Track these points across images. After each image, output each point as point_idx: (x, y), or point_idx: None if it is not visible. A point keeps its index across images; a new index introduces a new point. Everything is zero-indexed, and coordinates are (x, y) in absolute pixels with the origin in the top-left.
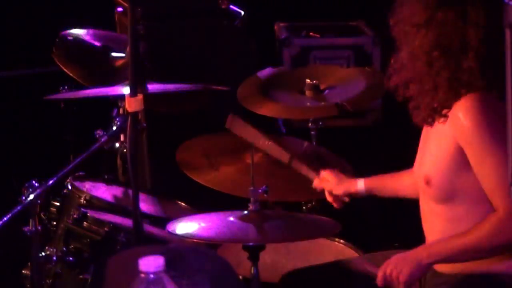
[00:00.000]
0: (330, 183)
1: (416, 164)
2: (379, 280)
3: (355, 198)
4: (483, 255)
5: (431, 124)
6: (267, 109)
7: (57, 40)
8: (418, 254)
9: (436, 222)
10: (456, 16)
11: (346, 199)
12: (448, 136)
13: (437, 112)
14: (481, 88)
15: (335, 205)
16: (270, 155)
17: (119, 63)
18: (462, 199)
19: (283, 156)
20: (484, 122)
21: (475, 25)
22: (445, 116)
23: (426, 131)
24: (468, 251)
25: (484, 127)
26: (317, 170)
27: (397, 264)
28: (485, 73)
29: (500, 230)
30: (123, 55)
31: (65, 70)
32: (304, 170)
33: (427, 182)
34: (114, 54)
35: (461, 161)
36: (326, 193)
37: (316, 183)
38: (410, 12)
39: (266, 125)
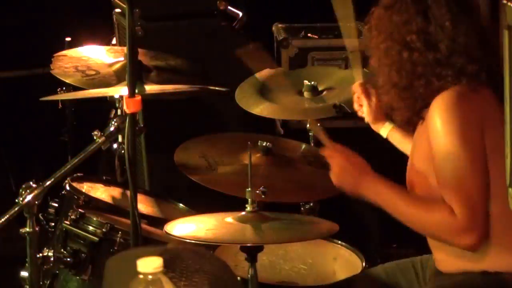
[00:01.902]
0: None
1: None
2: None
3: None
4: (413, 229)
5: (412, 126)
6: (265, 110)
7: (52, 59)
8: (365, 184)
9: None
10: (416, 12)
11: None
12: (423, 139)
13: (418, 114)
14: (452, 80)
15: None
16: None
17: (117, 66)
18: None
19: None
20: (453, 125)
21: (437, 19)
22: (422, 118)
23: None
24: (406, 221)
25: (452, 130)
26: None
27: (345, 169)
28: (452, 63)
29: (448, 231)
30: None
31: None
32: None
33: (411, 188)
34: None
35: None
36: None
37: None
38: (376, 19)
39: (264, 126)
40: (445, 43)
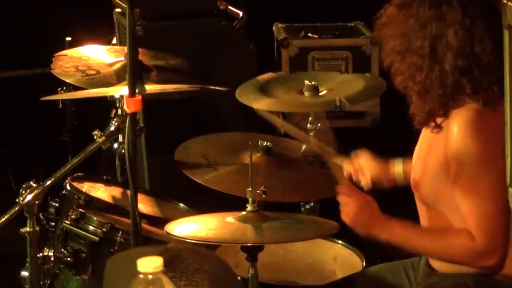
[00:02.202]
0: (363, 161)
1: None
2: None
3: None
4: (436, 259)
5: (428, 127)
6: (264, 104)
7: (53, 58)
8: (378, 228)
9: (424, 222)
10: (434, 17)
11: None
12: (440, 146)
13: (434, 116)
14: (467, 91)
15: (365, 184)
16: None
17: (117, 66)
18: (449, 209)
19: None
20: (476, 147)
21: (453, 25)
22: (440, 127)
23: (423, 134)
24: (426, 253)
25: (476, 153)
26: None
27: (357, 213)
28: (470, 73)
29: (469, 258)
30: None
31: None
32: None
33: (415, 187)
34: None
35: (448, 173)
36: (357, 174)
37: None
38: (389, 17)
39: (265, 126)
40: (461, 50)
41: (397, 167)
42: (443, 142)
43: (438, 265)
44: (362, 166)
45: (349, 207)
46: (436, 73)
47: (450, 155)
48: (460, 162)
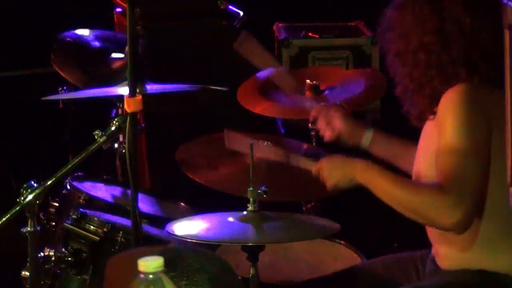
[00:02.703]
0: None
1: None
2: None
3: (355, 200)
4: (402, 212)
5: (423, 121)
6: (266, 109)
7: (54, 44)
8: (355, 167)
9: None
10: (431, 12)
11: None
12: (434, 131)
13: (428, 111)
14: (466, 78)
15: (328, 135)
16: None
17: (118, 64)
18: None
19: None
20: (459, 119)
21: (452, 18)
22: (434, 113)
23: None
24: (395, 200)
25: (458, 124)
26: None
27: (331, 168)
28: (468, 63)
29: (433, 208)
30: (122, 55)
31: (64, 75)
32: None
33: (417, 179)
34: (113, 55)
35: None
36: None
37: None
38: (388, 20)
39: (266, 126)
40: (461, 42)
41: (367, 132)
42: (436, 126)
43: (443, 263)
44: (332, 117)
45: (325, 170)
46: (433, 68)
47: (439, 132)
48: (442, 122)
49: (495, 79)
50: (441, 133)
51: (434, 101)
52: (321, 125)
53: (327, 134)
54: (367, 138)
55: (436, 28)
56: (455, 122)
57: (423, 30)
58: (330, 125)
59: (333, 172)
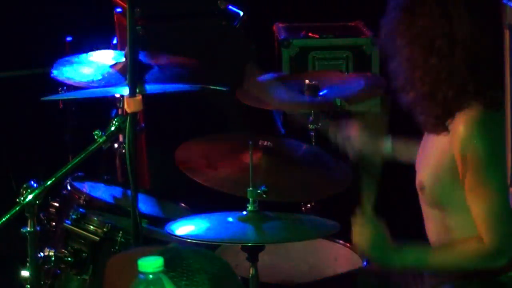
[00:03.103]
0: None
1: (416, 167)
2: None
3: (355, 200)
4: (453, 274)
5: (437, 132)
6: (265, 104)
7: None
8: (390, 255)
9: (431, 226)
10: (440, 17)
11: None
12: (446, 147)
13: (441, 119)
14: (470, 90)
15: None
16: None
17: (118, 66)
18: (455, 210)
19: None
20: (484, 147)
21: (461, 23)
22: (446, 129)
23: (426, 137)
24: (440, 268)
25: (483, 153)
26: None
27: (368, 240)
28: (476, 74)
29: (481, 261)
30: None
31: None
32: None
33: (421, 189)
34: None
35: (457, 174)
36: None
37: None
38: (395, 22)
39: (266, 126)
40: (471, 47)
41: (386, 143)
42: (448, 144)
43: None
44: (350, 135)
45: (362, 235)
46: (444, 73)
47: (457, 156)
48: (468, 163)
49: (498, 84)
50: (469, 168)
51: (446, 109)
52: (342, 144)
53: (351, 153)
54: (387, 148)
55: (446, 32)
56: (483, 161)
57: (435, 34)
58: (350, 144)
59: (367, 244)
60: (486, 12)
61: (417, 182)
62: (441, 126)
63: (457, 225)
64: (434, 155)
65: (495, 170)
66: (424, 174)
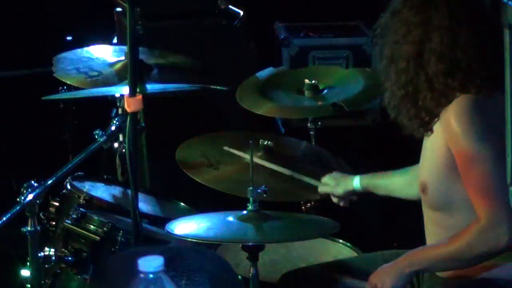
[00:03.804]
0: (330, 186)
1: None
2: None
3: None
4: (464, 264)
5: (421, 134)
6: (265, 109)
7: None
8: (399, 264)
9: (434, 229)
10: (420, 22)
11: (353, 198)
12: (441, 142)
13: (426, 122)
14: (456, 87)
15: (342, 204)
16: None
17: (119, 66)
18: (459, 208)
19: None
20: (472, 128)
21: (438, 28)
22: (431, 130)
23: (426, 138)
24: (449, 261)
25: (472, 133)
26: (318, 174)
27: (381, 276)
28: (453, 76)
29: (481, 240)
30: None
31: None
32: (306, 180)
33: (423, 190)
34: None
35: (455, 168)
36: (331, 196)
37: (320, 189)
38: (382, 25)
39: (265, 125)
40: (451, 53)
41: (355, 184)
42: (442, 137)
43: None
44: (331, 189)
45: (377, 281)
46: (422, 78)
47: (451, 145)
48: (462, 148)
49: (493, 85)
50: (458, 151)
51: (427, 114)
52: (334, 200)
53: (341, 204)
54: (356, 185)
55: (423, 39)
56: (469, 137)
57: (411, 39)
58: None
59: (386, 281)
60: (472, 20)
61: (418, 184)
62: (426, 127)
63: (460, 226)
64: (432, 153)
65: (488, 149)
66: (425, 174)
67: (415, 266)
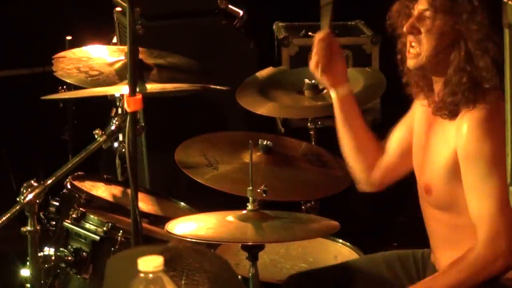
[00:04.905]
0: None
1: (415, 169)
2: None
3: (355, 199)
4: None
5: (449, 117)
6: (265, 109)
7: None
8: None
9: (440, 228)
10: (464, 18)
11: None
12: (450, 145)
13: (460, 103)
14: (497, 86)
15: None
16: None
17: (118, 65)
18: (460, 209)
19: None
20: (486, 144)
21: (480, 25)
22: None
23: (420, 134)
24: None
25: (487, 152)
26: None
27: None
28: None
29: (480, 267)
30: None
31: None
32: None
33: (427, 191)
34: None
35: (458, 172)
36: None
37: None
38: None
39: (265, 125)
40: (488, 46)
41: (345, 86)
42: (452, 143)
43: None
44: (320, 52)
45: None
46: (471, 67)
47: (459, 154)
48: (470, 161)
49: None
50: (470, 166)
51: (461, 99)
52: (317, 55)
53: (312, 63)
54: (342, 91)
55: (470, 29)
56: (480, 158)
57: (462, 27)
58: (321, 56)
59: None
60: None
61: (421, 185)
62: (454, 111)
63: (467, 223)
64: (439, 156)
65: (497, 169)
66: (431, 177)
67: None
